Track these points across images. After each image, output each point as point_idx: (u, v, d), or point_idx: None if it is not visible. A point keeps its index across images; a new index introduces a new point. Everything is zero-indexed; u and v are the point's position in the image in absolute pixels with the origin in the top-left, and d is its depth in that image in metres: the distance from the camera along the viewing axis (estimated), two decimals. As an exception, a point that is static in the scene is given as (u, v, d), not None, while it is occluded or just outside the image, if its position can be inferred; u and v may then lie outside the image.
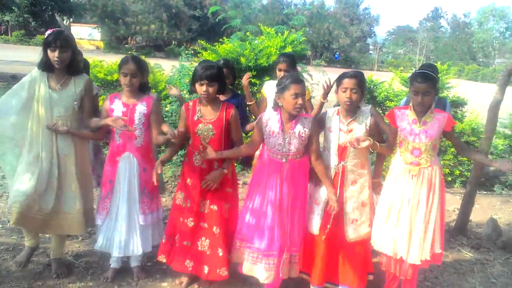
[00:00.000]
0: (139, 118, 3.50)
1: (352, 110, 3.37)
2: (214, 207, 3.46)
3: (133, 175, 3.53)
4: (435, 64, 5.37)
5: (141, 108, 3.51)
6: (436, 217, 3.31)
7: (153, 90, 6.62)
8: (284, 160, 3.31)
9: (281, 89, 3.22)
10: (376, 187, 3.58)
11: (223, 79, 3.45)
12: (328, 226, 3.37)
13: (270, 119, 3.34)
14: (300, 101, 3.17)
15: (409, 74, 3.50)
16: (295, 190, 3.34)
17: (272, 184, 3.32)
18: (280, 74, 4.19)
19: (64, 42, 3.27)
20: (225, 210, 3.51)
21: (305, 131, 3.28)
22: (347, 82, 3.27)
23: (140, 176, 3.55)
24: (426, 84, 3.18)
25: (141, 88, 3.58)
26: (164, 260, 3.60)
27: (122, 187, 3.52)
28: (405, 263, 3.35)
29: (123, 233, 3.51)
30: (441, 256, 3.47)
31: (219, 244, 3.44)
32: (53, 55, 3.26)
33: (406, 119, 3.35)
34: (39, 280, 3.53)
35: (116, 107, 3.52)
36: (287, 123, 3.30)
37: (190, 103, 3.50)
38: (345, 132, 3.37)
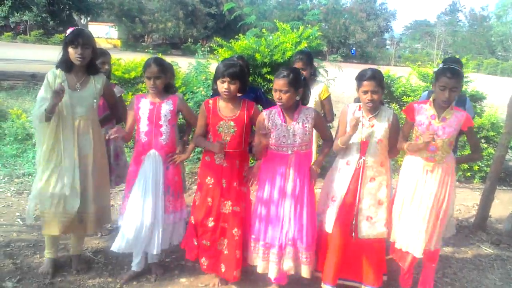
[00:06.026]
0: (165, 115, 3.54)
1: (374, 106, 3.35)
2: (237, 208, 3.46)
3: (159, 173, 3.54)
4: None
5: (167, 106, 3.55)
6: (445, 213, 3.31)
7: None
8: (290, 152, 3.32)
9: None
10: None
11: (245, 78, 3.46)
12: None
13: (271, 113, 3.35)
14: (277, 95, 3.23)
15: (435, 69, 3.45)
16: (302, 180, 3.32)
17: (279, 172, 3.33)
18: None
19: (86, 39, 3.31)
20: (244, 210, 3.52)
21: (308, 121, 3.31)
22: (367, 85, 3.23)
23: (164, 174, 3.57)
24: (455, 79, 3.15)
25: (166, 89, 3.62)
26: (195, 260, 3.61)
27: (146, 185, 3.50)
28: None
29: (146, 231, 3.45)
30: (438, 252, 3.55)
31: (238, 246, 3.45)
32: (75, 52, 3.29)
33: (424, 114, 3.32)
34: (59, 276, 3.58)
35: (143, 105, 3.56)
36: (288, 115, 3.33)
37: (210, 101, 3.51)
38: (367, 127, 3.34)
